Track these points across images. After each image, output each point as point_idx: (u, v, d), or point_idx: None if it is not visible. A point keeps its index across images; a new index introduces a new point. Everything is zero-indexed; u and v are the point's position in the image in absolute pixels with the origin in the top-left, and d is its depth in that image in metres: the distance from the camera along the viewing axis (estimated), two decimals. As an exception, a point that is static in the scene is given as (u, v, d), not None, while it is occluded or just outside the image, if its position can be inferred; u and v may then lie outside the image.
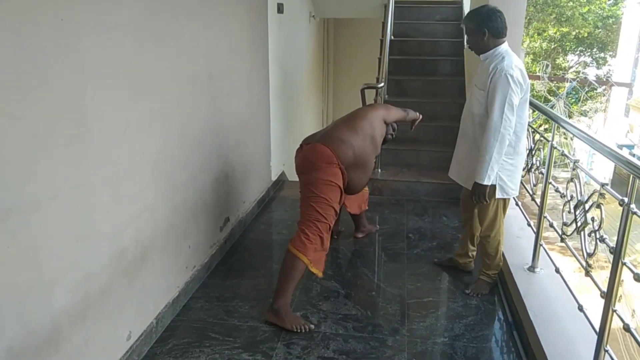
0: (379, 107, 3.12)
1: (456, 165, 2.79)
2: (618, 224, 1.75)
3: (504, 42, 2.51)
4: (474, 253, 2.99)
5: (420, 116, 3.27)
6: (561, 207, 2.41)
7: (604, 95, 16.79)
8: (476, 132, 2.56)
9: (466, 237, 2.95)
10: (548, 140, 2.70)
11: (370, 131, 2.84)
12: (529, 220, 3.17)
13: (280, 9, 4.40)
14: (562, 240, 2.44)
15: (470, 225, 2.89)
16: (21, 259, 1.52)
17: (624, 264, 1.76)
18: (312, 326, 2.45)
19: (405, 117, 3.17)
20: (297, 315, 2.52)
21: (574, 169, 2.35)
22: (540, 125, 13.77)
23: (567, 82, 15.05)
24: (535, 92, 15.42)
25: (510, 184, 2.58)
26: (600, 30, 17.68)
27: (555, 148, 2.63)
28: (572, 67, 18.86)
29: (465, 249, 2.98)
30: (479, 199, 2.54)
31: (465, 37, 2.60)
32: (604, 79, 16.91)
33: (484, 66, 2.52)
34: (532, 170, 3.08)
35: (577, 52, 18.79)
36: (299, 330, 2.41)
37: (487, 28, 2.46)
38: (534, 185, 3.04)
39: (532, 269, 2.75)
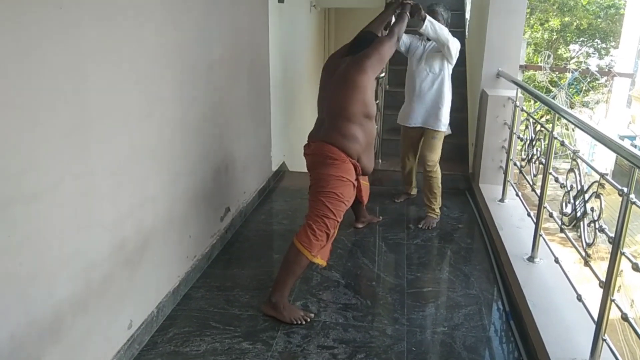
0: (366, 65, 2.52)
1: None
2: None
3: None
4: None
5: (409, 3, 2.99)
6: (561, 198, 2.42)
7: (606, 86, 16.71)
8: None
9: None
10: (548, 131, 2.70)
11: (362, 109, 2.54)
12: (529, 210, 3.18)
13: (281, -2, 4.37)
14: (562, 230, 2.45)
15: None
16: (23, 248, 1.53)
17: (623, 253, 1.77)
18: (312, 315, 2.46)
19: (395, 41, 2.69)
20: (295, 307, 2.52)
21: (573, 160, 2.35)
22: (542, 116, 13.73)
23: (568, 72, 14.96)
24: (537, 82, 15.35)
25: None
26: (601, 20, 17.58)
27: (556, 138, 2.63)
28: (574, 57, 18.77)
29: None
30: None
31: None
32: (606, 70, 16.80)
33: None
34: (533, 160, 3.08)
35: (579, 43, 18.69)
36: (298, 323, 2.41)
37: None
38: (534, 176, 3.04)
39: (531, 259, 2.77)
